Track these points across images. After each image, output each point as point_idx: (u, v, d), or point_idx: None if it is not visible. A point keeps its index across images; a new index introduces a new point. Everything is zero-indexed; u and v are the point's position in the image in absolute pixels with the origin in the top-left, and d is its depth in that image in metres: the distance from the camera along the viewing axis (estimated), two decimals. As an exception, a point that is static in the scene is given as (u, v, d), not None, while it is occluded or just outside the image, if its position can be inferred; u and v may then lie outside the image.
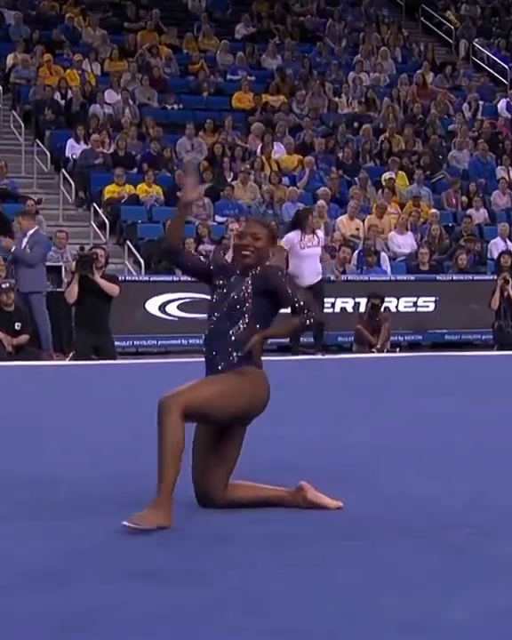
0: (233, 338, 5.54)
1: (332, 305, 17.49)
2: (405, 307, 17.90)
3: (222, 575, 4.34)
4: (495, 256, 19.29)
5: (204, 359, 5.61)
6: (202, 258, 5.96)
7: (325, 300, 17.33)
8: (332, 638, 3.56)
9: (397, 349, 17.04)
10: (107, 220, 18.93)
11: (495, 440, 8.10)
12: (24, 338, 14.61)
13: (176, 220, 5.90)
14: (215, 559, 4.62)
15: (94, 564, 4.51)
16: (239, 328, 5.55)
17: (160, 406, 5.20)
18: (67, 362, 14.73)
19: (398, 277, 18.44)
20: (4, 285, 14.87)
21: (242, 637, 3.53)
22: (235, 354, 5.53)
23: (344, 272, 17.97)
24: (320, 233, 16.07)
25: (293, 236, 15.52)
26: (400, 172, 21.83)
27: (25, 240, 15.57)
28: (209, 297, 5.73)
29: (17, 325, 14.62)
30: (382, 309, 16.87)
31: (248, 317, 5.57)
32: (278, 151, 21.68)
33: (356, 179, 21.11)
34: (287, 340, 15.01)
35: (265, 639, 3.52)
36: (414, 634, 3.61)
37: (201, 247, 17.71)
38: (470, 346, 17.75)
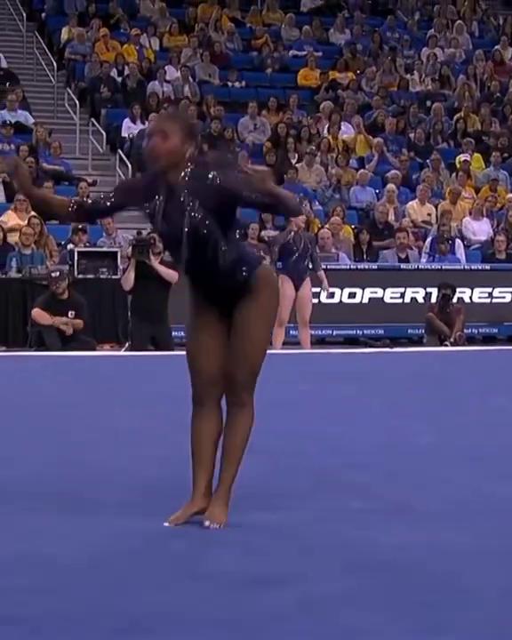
0: (225, 263, 5.05)
1: (402, 295, 17.46)
2: (480, 297, 17.81)
3: (284, 578, 4.38)
4: None
5: (197, 283, 5.20)
6: (108, 198, 5.17)
7: (397, 289, 17.34)
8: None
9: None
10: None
11: None
12: (79, 323, 14.70)
13: (35, 195, 5.30)
14: (276, 561, 4.66)
15: (145, 564, 4.56)
16: (223, 251, 5.04)
17: (240, 402, 5.15)
18: (122, 352, 14.83)
19: (473, 266, 18.35)
20: (55, 273, 14.99)
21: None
22: (243, 268, 5.10)
23: (407, 260, 17.95)
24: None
25: None
26: (476, 154, 21.73)
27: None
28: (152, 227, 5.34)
29: (70, 314, 14.74)
30: (454, 300, 16.80)
31: (220, 233, 5.03)
32: (346, 132, 21.65)
33: (429, 161, 21.05)
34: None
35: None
36: None
37: (263, 233, 17.77)
38: (549, 339, 17.68)
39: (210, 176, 5.05)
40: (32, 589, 4.24)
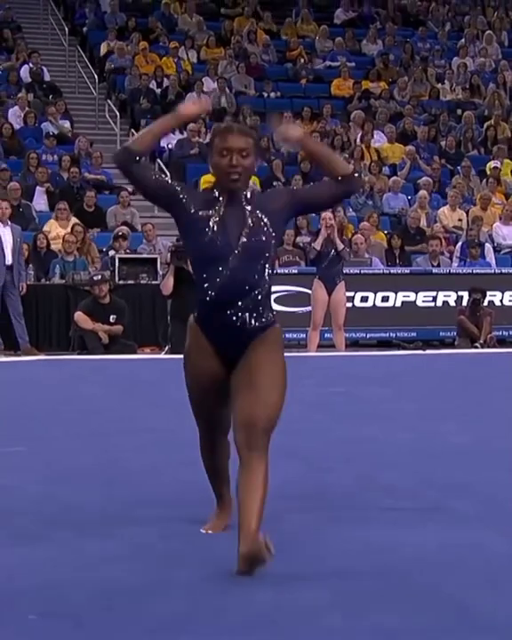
0: (261, 290, 4.65)
1: (434, 299, 17.41)
2: (511, 301, 17.75)
3: (320, 577, 4.36)
4: None
5: (213, 318, 4.68)
6: (162, 179, 4.75)
7: (429, 293, 17.31)
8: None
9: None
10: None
11: None
12: (118, 328, 14.74)
13: (157, 127, 4.90)
14: (311, 561, 4.64)
15: (184, 565, 4.55)
16: (264, 277, 4.67)
17: (263, 448, 4.56)
18: (162, 356, 14.84)
19: (503, 270, 18.29)
20: (97, 277, 15.02)
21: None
22: (267, 309, 4.71)
23: (438, 264, 17.92)
24: None
25: None
26: (506, 160, 21.66)
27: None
28: (183, 232, 4.72)
29: (111, 318, 14.77)
30: (485, 304, 16.78)
31: (269, 262, 4.68)
32: (379, 140, 21.63)
33: (459, 168, 21.00)
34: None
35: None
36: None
37: (298, 238, 17.76)
38: None
39: (282, 189, 5.00)
40: (75, 583, 4.25)
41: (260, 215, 4.61)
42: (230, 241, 4.56)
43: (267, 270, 4.66)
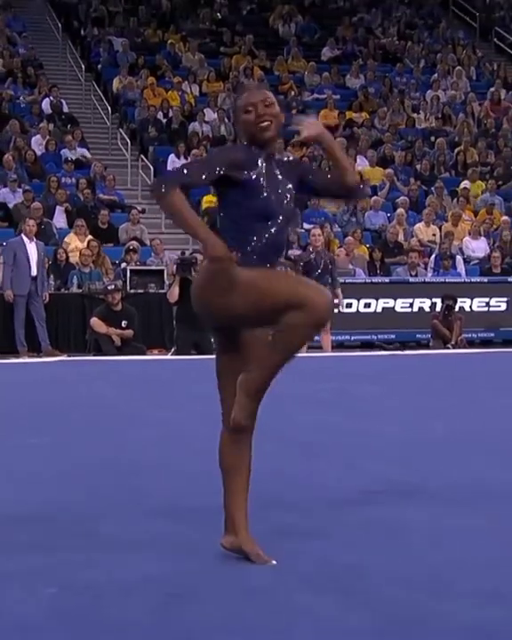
0: (285, 252, 4.54)
1: (411, 305, 17.44)
2: (479, 307, 17.76)
3: (312, 551, 4.33)
4: (563, 259, 19.14)
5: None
6: (209, 174, 4.07)
7: (406, 300, 17.32)
8: None
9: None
10: (205, 228, 18.99)
11: None
12: (129, 333, 14.74)
13: (190, 229, 4.16)
14: (302, 536, 4.61)
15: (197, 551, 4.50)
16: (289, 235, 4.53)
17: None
18: (169, 357, 14.82)
19: (472, 279, 18.31)
20: (110, 287, 15.02)
21: None
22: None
23: (415, 275, 17.94)
24: None
25: None
26: (474, 182, 21.65)
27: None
28: (241, 197, 4.14)
29: (123, 323, 14.77)
30: (456, 309, 16.80)
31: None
32: (361, 164, 21.62)
33: (433, 188, 21.00)
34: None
35: None
36: None
37: (290, 252, 17.72)
38: (540, 343, 17.58)
39: (291, 158, 4.50)
40: (89, 564, 4.21)
41: (287, 183, 4.27)
42: (279, 202, 4.19)
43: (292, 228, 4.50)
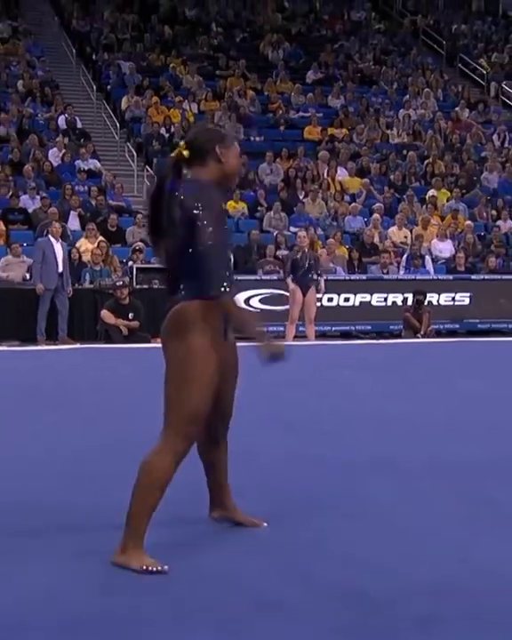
0: None
1: (386, 299, 17.42)
2: (445, 301, 17.76)
3: (294, 516, 4.31)
4: (519, 259, 19.17)
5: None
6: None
7: (381, 294, 17.32)
8: None
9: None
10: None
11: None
12: (135, 324, 14.73)
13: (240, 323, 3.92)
14: (284, 501, 4.59)
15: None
16: None
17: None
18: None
19: (439, 277, 18.30)
20: (118, 283, 15.01)
21: None
22: None
23: (389, 273, 17.95)
24: None
25: None
26: (441, 190, 21.66)
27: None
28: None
29: (130, 315, 14.76)
30: (425, 303, 16.80)
31: None
32: (341, 174, 21.59)
33: (405, 196, 20.98)
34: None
35: None
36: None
37: (278, 252, 17.73)
38: (499, 333, 17.58)
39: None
40: (107, 526, 4.19)
41: None
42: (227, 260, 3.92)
43: None
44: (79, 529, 4.26)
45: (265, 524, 4.19)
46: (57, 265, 15.03)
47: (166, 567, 3.72)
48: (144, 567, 3.70)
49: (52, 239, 15.18)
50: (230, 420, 4.23)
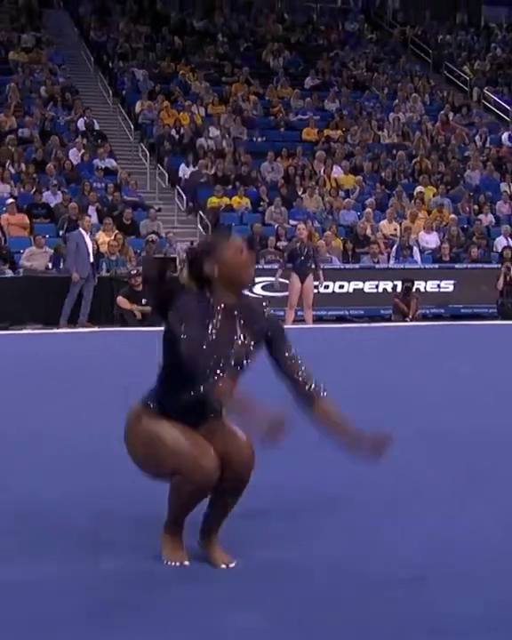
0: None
1: (377, 286, 17.38)
2: (431, 288, 17.70)
3: (285, 485, 4.26)
4: (499, 250, 19.15)
5: (185, 411, 3.43)
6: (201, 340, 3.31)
7: (373, 282, 17.27)
8: None
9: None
10: (209, 223, 18.94)
11: (497, 380, 8.00)
12: (148, 309, 14.67)
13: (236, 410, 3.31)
14: (273, 470, 4.55)
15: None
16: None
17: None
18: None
19: (426, 266, 18.25)
20: (133, 272, 14.98)
21: None
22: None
23: (379, 262, 17.90)
24: None
25: None
26: (427, 187, 21.57)
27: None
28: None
29: (144, 301, 14.71)
30: (413, 290, 16.75)
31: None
32: (336, 172, 21.50)
33: (395, 192, 20.89)
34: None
35: None
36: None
37: (279, 243, 17.67)
38: (480, 317, 17.54)
39: (264, 310, 3.52)
40: (123, 492, 4.14)
41: (246, 335, 3.42)
42: (224, 349, 3.36)
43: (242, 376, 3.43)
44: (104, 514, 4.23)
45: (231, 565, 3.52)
46: (89, 255, 15.04)
47: (186, 562, 3.50)
48: (164, 559, 3.52)
49: (84, 232, 15.14)
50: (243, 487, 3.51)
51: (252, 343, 3.39)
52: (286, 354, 3.49)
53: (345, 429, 3.40)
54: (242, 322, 3.39)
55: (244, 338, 3.38)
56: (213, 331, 3.33)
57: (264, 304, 3.52)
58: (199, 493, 3.40)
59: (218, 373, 3.26)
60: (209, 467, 3.34)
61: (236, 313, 3.38)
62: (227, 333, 3.35)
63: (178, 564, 3.50)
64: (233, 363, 3.35)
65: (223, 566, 3.46)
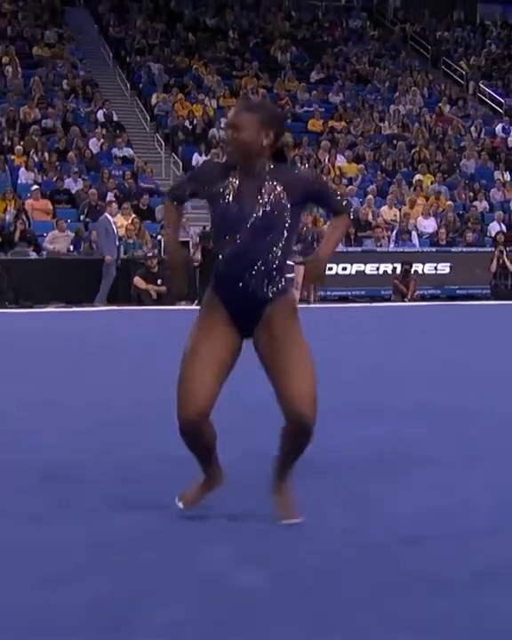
0: (277, 260, 3.22)
1: (378, 268, 17.34)
2: (429, 270, 17.66)
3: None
4: (492, 234, 19.08)
5: (226, 285, 3.26)
6: (184, 189, 3.43)
7: (374, 264, 17.23)
8: None
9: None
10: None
11: (491, 357, 7.98)
12: (163, 289, 14.68)
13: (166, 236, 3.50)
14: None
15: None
16: (279, 246, 3.22)
17: (309, 426, 3.22)
18: (194, 307, 14.76)
19: (424, 249, 18.21)
20: (149, 254, 14.97)
21: None
22: (280, 278, 3.26)
23: (381, 246, 17.85)
24: None
25: None
26: (426, 175, 21.45)
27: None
28: (211, 209, 3.31)
29: (158, 281, 14.71)
30: (412, 272, 16.72)
31: (283, 235, 3.23)
32: (340, 161, 21.40)
33: (395, 180, 20.79)
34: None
35: None
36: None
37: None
38: (474, 298, 17.51)
39: (309, 177, 3.51)
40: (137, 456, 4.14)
41: (278, 189, 3.22)
42: (244, 213, 3.21)
43: (281, 241, 3.22)
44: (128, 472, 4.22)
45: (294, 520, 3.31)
46: (116, 238, 15.08)
47: (180, 504, 3.42)
48: (178, 498, 3.45)
49: (110, 216, 15.17)
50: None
51: (284, 194, 3.21)
52: (331, 209, 3.37)
53: (317, 251, 3.34)
54: (269, 177, 3.23)
55: (274, 189, 3.22)
56: (230, 189, 3.24)
57: (298, 168, 3.55)
58: (184, 436, 3.28)
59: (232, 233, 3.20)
60: (187, 417, 3.22)
61: (263, 174, 3.24)
62: (251, 188, 3.22)
63: (179, 503, 3.41)
64: (261, 211, 3.20)
65: (284, 522, 3.24)
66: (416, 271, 17.07)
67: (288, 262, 3.28)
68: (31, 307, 14.16)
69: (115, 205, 15.53)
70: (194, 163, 20.35)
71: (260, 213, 3.20)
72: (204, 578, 2.82)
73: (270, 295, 3.23)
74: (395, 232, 18.48)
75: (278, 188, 3.22)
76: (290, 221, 3.23)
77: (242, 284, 3.21)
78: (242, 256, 3.20)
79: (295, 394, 3.17)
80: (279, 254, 3.22)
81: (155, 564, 2.94)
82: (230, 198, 3.23)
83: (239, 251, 3.20)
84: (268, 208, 3.20)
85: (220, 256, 3.26)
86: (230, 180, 3.26)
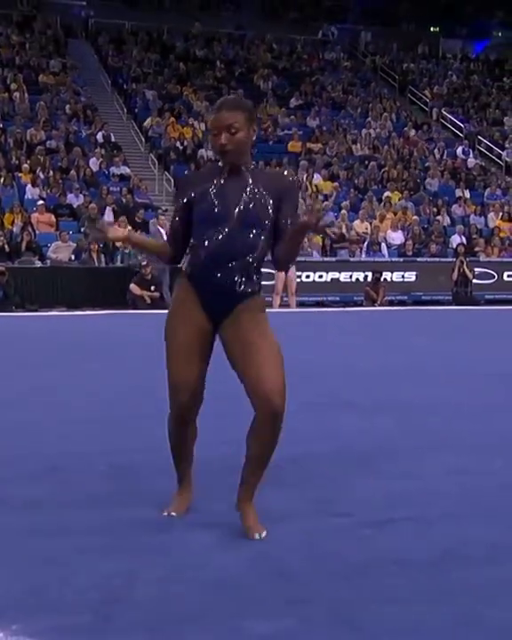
0: (256, 257, 3.07)
1: (351, 276, 17.35)
2: (397, 278, 17.69)
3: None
4: (454, 246, 19.14)
5: (205, 277, 3.06)
6: (175, 215, 3.18)
7: (347, 273, 17.24)
8: None
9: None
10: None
11: (450, 356, 7.98)
12: (156, 295, 14.66)
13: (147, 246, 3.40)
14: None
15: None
16: (259, 243, 3.06)
17: (278, 412, 2.98)
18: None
19: (392, 259, 18.23)
20: (143, 262, 14.92)
21: None
22: (257, 277, 3.13)
23: (353, 256, 17.87)
24: None
25: None
26: (394, 192, 21.51)
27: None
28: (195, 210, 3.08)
29: (152, 288, 14.68)
30: (381, 280, 16.74)
31: (264, 233, 3.06)
32: (317, 179, 21.42)
33: (366, 196, 20.83)
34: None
35: None
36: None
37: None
38: (438, 303, 17.54)
39: (288, 177, 3.38)
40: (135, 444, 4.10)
41: (260, 189, 3.06)
42: (228, 208, 3.03)
43: (261, 239, 3.06)
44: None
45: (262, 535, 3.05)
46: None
47: (173, 514, 3.23)
48: (164, 510, 3.26)
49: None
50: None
51: (266, 194, 3.05)
52: (286, 221, 3.08)
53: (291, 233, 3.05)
54: (250, 181, 3.05)
55: (256, 188, 3.05)
56: (215, 188, 3.05)
57: (285, 172, 3.37)
58: (176, 425, 3.20)
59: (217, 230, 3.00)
60: (183, 399, 3.15)
61: (246, 175, 3.07)
62: (234, 186, 3.04)
63: (165, 513, 3.22)
64: (242, 207, 3.02)
65: (256, 537, 2.98)
66: (385, 279, 17.09)
67: (264, 270, 3.20)
68: (36, 310, 14.11)
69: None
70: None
71: (244, 209, 3.02)
72: (181, 559, 2.81)
73: (246, 290, 3.07)
74: (366, 243, 18.52)
75: (260, 186, 3.07)
76: (270, 218, 3.06)
77: (220, 275, 3.02)
78: (223, 250, 3.01)
79: (264, 377, 2.94)
80: (258, 251, 3.06)
81: (145, 548, 2.92)
82: (214, 194, 3.05)
83: (221, 244, 3.02)
84: (251, 205, 3.03)
85: (201, 248, 3.05)
86: (216, 180, 3.08)
